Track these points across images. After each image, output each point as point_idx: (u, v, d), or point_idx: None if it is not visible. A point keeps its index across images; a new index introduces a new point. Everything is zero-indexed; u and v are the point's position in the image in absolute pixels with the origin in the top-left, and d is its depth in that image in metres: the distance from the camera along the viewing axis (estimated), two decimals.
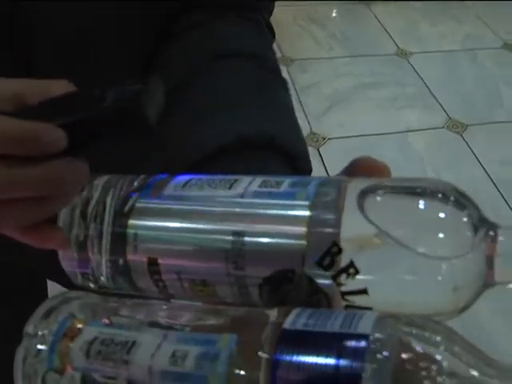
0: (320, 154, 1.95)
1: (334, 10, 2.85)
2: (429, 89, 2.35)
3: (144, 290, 0.37)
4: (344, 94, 2.26)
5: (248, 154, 0.45)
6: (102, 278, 0.37)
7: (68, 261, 0.37)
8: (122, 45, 0.54)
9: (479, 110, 2.26)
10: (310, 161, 0.49)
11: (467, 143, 2.08)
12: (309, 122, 2.08)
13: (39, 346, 0.30)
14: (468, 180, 1.90)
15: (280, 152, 0.46)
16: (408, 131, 2.14)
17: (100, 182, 0.38)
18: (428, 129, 2.15)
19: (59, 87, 0.36)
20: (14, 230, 0.36)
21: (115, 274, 0.36)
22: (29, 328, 0.31)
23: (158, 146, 0.50)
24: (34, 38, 0.49)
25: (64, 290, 0.35)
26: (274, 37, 0.61)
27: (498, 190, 1.89)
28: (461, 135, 2.12)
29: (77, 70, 0.46)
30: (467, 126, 2.16)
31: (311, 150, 1.92)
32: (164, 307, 0.34)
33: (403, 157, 2.01)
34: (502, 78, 2.44)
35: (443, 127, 2.16)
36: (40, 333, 0.31)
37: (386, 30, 2.73)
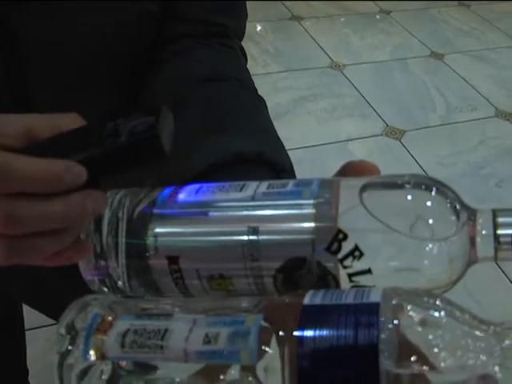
0: None
1: (266, 27, 2.92)
2: (365, 98, 2.43)
3: (162, 291, 0.39)
4: (285, 108, 2.31)
5: (240, 168, 0.49)
6: (120, 283, 0.39)
7: (88, 271, 0.39)
8: (114, 74, 0.56)
9: (414, 115, 2.35)
10: (294, 173, 0.53)
11: (406, 148, 2.16)
12: None
13: (72, 344, 0.32)
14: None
15: (268, 165, 0.50)
16: (348, 140, 2.20)
17: (110, 196, 0.40)
18: (367, 137, 2.22)
19: (69, 121, 0.37)
20: (38, 260, 0.37)
21: (132, 278, 0.38)
22: (61, 329, 0.33)
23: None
24: (29, 71, 0.50)
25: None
26: (247, 60, 0.65)
27: None
28: (399, 141, 2.20)
29: (70, 98, 0.47)
30: (404, 131, 2.24)
31: None
32: (180, 302, 0.37)
33: None
34: (433, 85, 2.55)
35: (382, 134, 2.23)
36: (72, 332, 0.33)
37: (318, 44, 2.81)
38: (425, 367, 0.27)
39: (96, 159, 0.35)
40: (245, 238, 0.36)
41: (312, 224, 0.35)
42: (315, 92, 2.45)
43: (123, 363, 0.32)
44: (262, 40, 2.80)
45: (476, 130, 2.30)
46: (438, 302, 0.30)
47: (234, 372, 0.30)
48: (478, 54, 2.85)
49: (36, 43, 0.50)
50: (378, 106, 2.39)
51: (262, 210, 0.37)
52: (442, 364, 0.27)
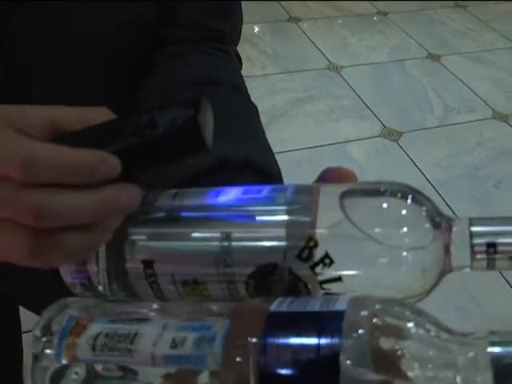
0: None
1: (264, 29, 2.92)
2: (362, 100, 2.43)
3: (139, 295, 0.39)
4: (282, 110, 2.31)
5: (227, 173, 0.49)
6: (100, 287, 0.38)
7: (69, 274, 0.39)
8: (113, 74, 0.56)
9: (412, 117, 2.35)
10: (282, 179, 0.53)
11: (403, 149, 2.16)
12: None
13: (47, 346, 0.32)
14: (407, 182, 1.97)
15: (255, 171, 0.50)
16: (346, 141, 2.20)
17: None
18: (365, 138, 2.22)
19: (98, 115, 0.36)
20: (61, 260, 0.35)
21: (113, 282, 0.38)
22: (36, 331, 0.33)
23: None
24: (29, 71, 0.50)
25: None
26: (242, 65, 0.65)
27: (436, 191, 1.97)
28: (397, 142, 2.20)
29: (69, 98, 0.47)
30: (402, 133, 2.24)
31: None
32: (157, 306, 0.37)
33: (344, 166, 2.05)
34: (430, 86, 2.56)
35: (379, 136, 2.23)
36: (47, 334, 0.33)
37: (315, 45, 2.81)
38: (396, 377, 0.27)
39: (132, 151, 0.33)
40: (217, 243, 0.36)
41: (284, 230, 0.35)
42: (313, 93, 2.45)
43: (99, 367, 0.32)
44: (260, 42, 2.80)
45: (473, 132, 2.30)
46: (407, 313, 0.30)
47: (203, 377, 0.30)
48: (475, 55, 2.86)
49: (36, 43, 0.50)
50: (376, 107, 2.39)
51: (235, 216, 0.37)
52: (411, 374, 0.27)
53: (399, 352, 0.28)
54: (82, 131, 0.34)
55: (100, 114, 0.36)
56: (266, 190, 0.38)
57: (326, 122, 2.29)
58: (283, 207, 0.36)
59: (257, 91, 2.37)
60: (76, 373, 0.32)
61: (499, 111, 2.42)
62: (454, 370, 0.28)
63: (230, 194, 0.38)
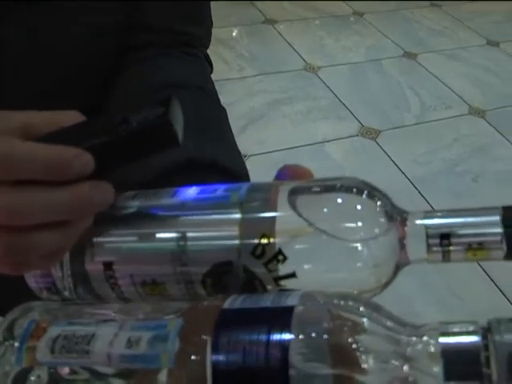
0: None
1: (240, 31, 2.92)
2: (340, 100, 2.43)
3: (103, 297, 0.39)
4: (260, 112, 2.30)
5: (193, 174, 0.49)
6: (65, 291, 0.39)
7: (32, 278, 0.39)
8: (82, 78, 0.56)
9: (389, 115, 2.36)
10: (249, 180, 0.53)
11: (382, 148, 2.17)
12: None
13: (9, 350, 0.32)
14: (386, 180, 1.95)
15: (221, 172, 0.50)
16: (325, 141, 2.20)
17: None
18: (343, 138, 2.23)
19: (70, 118, 0.35)
20: (37, 261, 0.34)
21: (77, 285, 0.38)
22: None
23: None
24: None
25: None
26: (212, 68, 0.65)
27: (415, 187, 1.98)
28: (375, 141, 2.21)
29: (37, 99, 0.47)
30: (380, 131, 2.25)
31: None
32: (119, 307, 0.37)
33: (323, 166, 2.06)
34: (407, 84, 2.57)
35: (357, 135, 2.24)
36: (9, 339, 0.33)
37: (292, 47, 2.81)
38: (350, 370, 0.28)
39: (106, 147, 0.34)
40: (174, 243, 0.36)
41: (237, 229, 0.35)
42: (290, 95, 2.45)
43: (63, 371, 0.31)
44: (237, 44, 2.80)
45: (450, 128, 2.32)
46: (361, 307, 0.30)
47: (162, 376, 0.30)
48: (450, 52, 2.88)
49: (7, 45, 0.50)
50: (353, 106, 2.39)
51: (190, 215, 0.37)
52: (366, 366, 0.28)
53: (353, 346, 0.28)
54: (55, 132, 0.35)
55: (72, 117, 0.36)
56: (221, 189, 0.38)
57: (304, 123, 2.29)
58: (237, 206, 0.36)
59: (234, 94, 2.37)
60: (38, 376, 0.32)
61: (476, 107, 2.44)
62: (406, 361, 0.28)
63: (186, 194, 0.38)
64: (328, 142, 2.20)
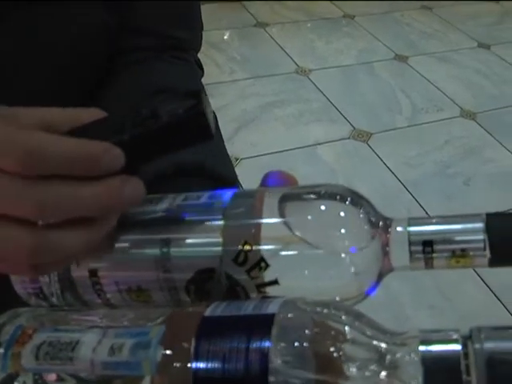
0: None
1: (232, 35, 2.92)
2: (331, 103, 2.44)
3: (89, 303, 0.39)
4: (252, 115, 2.30)
5: (182, 180, 0.49)
6: (53, 297, 0.39)
7: (20, 284, 0.39)
8: (71, 82, 0.55)
9: (381, 118, 2.37)
10: (238, 185, 0.53)
11: (373, 150, 2.17)
12: None
13: None
14: (378, 183, 1.99)
15: (210, 177, 0.50)
16: (316, 144, 2.20)
17: None
18: (335, 140, 2.23)
19: (91, 114, 0.34)
20: (62, 261, 0.33)
21: (64, 292, 0.38)
22: None
23: None
24: None
25: None
26: (203, 71, 0.65)
27: (407, 189, 1.98)
28: (367, 143, 2.21)
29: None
30: (372, 134, 2.26)
31: None
32: (104, 313, 0.37)
33: (315, 169, 2.06)
34: (398, 87, 2.58)
35: (349, 138, 2.24)
36: None
37: (283, 50, 2.81)
38: (334, 376, 0.27)
39: (135, 141, 0.32)
40: (157, 250, 0.36)
41: (219, 235, 0.35)
42: (282, 98, 2.45)
43: (49, 377, 0.31)
44: (228, 48, 2.80)
45: (442, 130, 2.32)
46: (343, 316, 0.30)
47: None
48: (441, 55, 2.89)
49: None
50: (345, 109, 2.40)
51: (173, 222, 0.37)
52: (348, 374, 0.28)
53: (335, 354, 0.28)
54: (80, 127, 0.33)
55: (93, 114, 0.35)
56: (204, 195, 0.38)
57: (296, 126, 2.29)
58: (220, 212, 0.36)
59: (226, 97, 2.37)
60: (24, 382, 0.31)
61: (467, 109, 2.45)
62: (387, 369, 0.28)
63: (170, 201, 0.38)
64: (320, 144, 2.20)
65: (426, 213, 1.87)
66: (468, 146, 2.24)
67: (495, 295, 1.65)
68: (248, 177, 1.95)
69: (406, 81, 2.64)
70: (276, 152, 2.13)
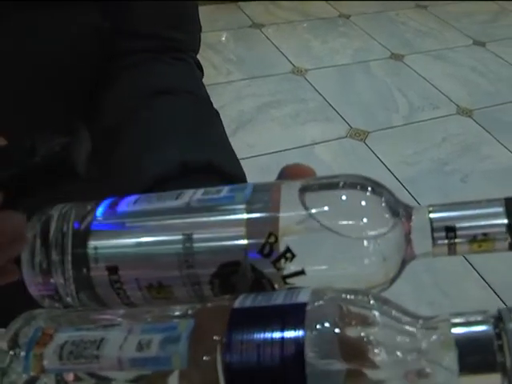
0: None
1: (228, 36, 2.92)
2: (328, 102, 2.44)
3: (106, 302, 0.38)
4: (249, 115, 2.31)
5: (190, 178, 0.49)
6: (68, 297, 0.38)
7: (34, 286, 0.38)
8: (66, 87, 0.55)
9: (378, 116, 2.38)
10: (246, 181, 0.52)
11: (370, 149, 2.18)
12: None
13: (14, 359, 0.32)
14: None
15: (218, 174, 0.50)
16: (314, 144, 2.20)
17: (56, 211, 0.39)
18: (332, 139, 2.23)
19: None
20: None
21: (79, 292, 0.38)
22: (2, 345, 0.32)
23: (107, 175, 0.53)
24: None
25: None
26: (203, 73, 0.65)
27: (404, 187, 1.99)
28: (364, 142, 2.21)
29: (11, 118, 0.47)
30: (368, 132, 2.26)
31: None
32: (124, 311, 0.37)
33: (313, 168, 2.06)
34: (395, 85, 2.58)
35: (346, 136, 2.25)
36: (14, 348, 0.32)
37: (279, 50, 2.82)
38: (363, 364, 0.27)
39: (10, 180, 0.34)
40: (179, 245, 0.36)
41: (243, 228, 0.35)
42: (278, 98, 2.45)
43: (69, 378, 0.31)
44: (224, 49, 2.80)
45: (439, 128, 2.33)
46: (372, 301, 0.30)
47: (173, 378, 0.30)
48: (437, 53, 2.90)
49: None
50: (342, 108, 2.40)
51: (195, 216, 0.37)
52: (378, 360, 0.28)
53: (365, 339, 0.28)
54: None
55: None
56: (225, 189, 0.38)
57: (293, 126, 2.30)
58: (242, 205, 0.36)
59: (223, 98, 2.37)
60: None
61: (463, 107, 2.46)
62: (420, 353, 0.28)
63: (189, 196, 0.38)
64: (317, 144, 2.20)
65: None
66: (465, 144, 2.25)
67: (495, 292, 1.66)
68: (246, 177, 1.96)
69: (402, 79, 2.65)
70: (273, 152, 2.13)
